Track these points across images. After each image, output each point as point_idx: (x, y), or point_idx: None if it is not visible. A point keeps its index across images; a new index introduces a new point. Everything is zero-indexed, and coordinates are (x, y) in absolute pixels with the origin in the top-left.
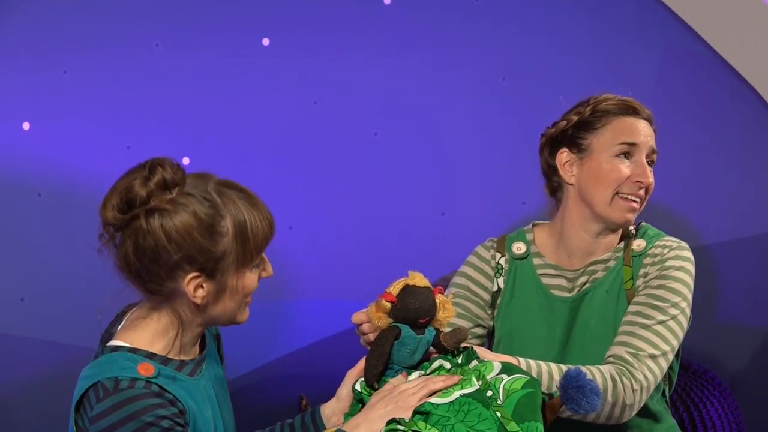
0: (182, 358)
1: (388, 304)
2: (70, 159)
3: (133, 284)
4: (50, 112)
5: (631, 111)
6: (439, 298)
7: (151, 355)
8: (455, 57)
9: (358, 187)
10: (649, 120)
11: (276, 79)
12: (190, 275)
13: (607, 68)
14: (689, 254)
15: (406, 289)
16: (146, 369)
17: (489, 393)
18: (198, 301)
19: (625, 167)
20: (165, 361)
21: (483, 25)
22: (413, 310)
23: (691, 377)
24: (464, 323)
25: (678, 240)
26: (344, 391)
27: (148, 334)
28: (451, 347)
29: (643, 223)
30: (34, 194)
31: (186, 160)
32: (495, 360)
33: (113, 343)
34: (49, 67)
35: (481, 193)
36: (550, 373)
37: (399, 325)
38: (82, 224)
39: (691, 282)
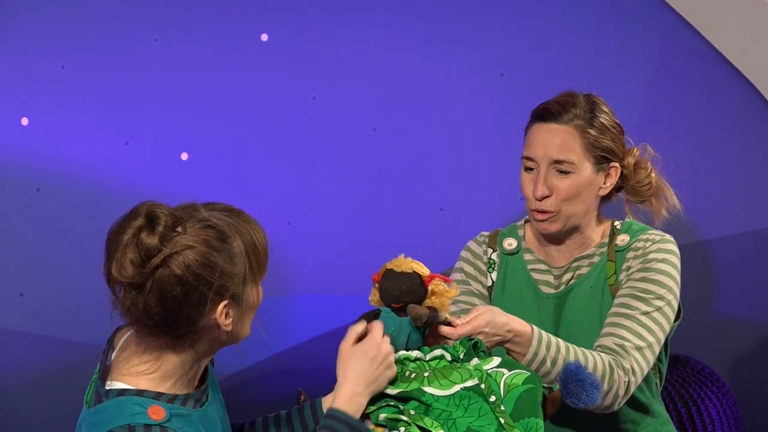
0: (186, 391)
1: (376, 284)
2: (69, 154)
3: (154, 334)
4: (49, 108)
5: (542, 116)
6: (434, 285)
7: (158, 395)
8: (453, 52)
9: (356, 183)
10: (571, 119)
11: (274, 75)
12: (222, 305)
13: (604, 64)
14: (674, 247)
15: (386, 273)
16: (157, 413)
17: (483, 386)
18: (228, 328)
19: (528, 182)
20: (172, 398)
21: (481, 20)
22: (386, 293)
23: (689, 373)
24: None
25: (662, 233)
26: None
27: (156, 376)
28: (416, 323)
29: (628, 218)
30: (32, 189)
31: (185, 156)
32: (513, 323)
33: (117, 386)
34: (48, 63)
35: (479, 189)
36: (558, 347)
37: (382, 308)
38: (80, 219)
39: (676, 274)
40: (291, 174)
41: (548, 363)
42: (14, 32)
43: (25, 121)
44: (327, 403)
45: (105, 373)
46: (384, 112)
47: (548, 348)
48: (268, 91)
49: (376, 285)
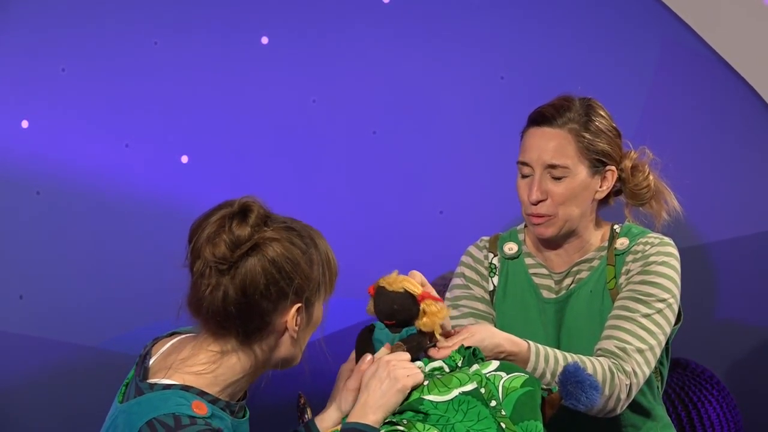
0: (230, 399)
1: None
2: (69, 157)
3: (224, 328)
4: (49, 110)
5: (536, 121)
6: (424, 305)
7: (202, 394)
8: (453, 55)
9: (356, 186)
10: (565, 123)
11: (274, 78)
12: (296, 306)
13: (604, 67)
14: (673, 249)
15: (378, 290)
16: (200, 408)
17: (483, 390)
18: (294, 334)
19: (523, 186)
20: (213, 400)
21: (481, 23)
22: (378, 311)
23: (689, 376)
24: (475, 321)
25: (661, 236)
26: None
27: (208, 378)
28: (410, 354)
29: (628, 222)
30: (32, 192)
31: (185, 158)
32: (507, 343)
33: (164, 381)
34: (48, 65)
35: (479, 192)
36: (557, 358)
37: (375, 323)
38: (80, 222)
39: (676, 277)
40: (291, 177)
41: (548, 375)
42: (14, 35)
43: (25, 124)
44: (321, 422)
45: (146, 373)
46: (384, 115)
47: (546, 361)
48: (268, 94)
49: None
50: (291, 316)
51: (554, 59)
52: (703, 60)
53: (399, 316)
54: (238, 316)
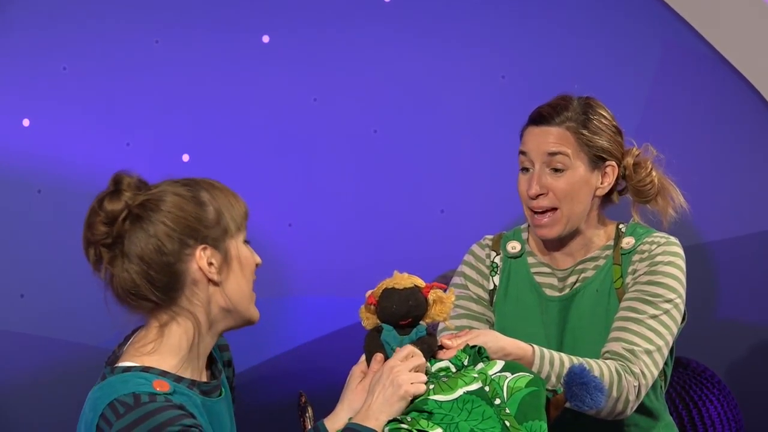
0: (193, 378)
1: (372, 306)
2: (70, 155)
3: (148, 298)
4: (50, 109)
5: (535, 120)
6: (433, 294)
7: (164, 373)
8: (454, 54)
9: (357, 184)
10: (563, 121)
11: (275, 77)
12: (198, 248)
13: (605, 66)
14: (679, 249)
15: (384, 293)
16: (161, 385)
17: (487, 388)
18: (214, 276)
19: (523, 181)
20: (177, 379)
21: (482, 22)
22: (390, 313)
23: (690, 375)
24: (470, 323)
25: (667, 236)
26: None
27: (158, 354)
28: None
29: (633, 221)
30: (33, 190)
31: (186, 157)
32: (510, 347)
33: (123, 364)
34: (49, 64)
35: (480, 191)
36: (562, 361)
37: (383, 325)
38: (81, 220)
39: (682, 277)
40: (292, 176)
41: (553, 378)
42: (15, 33)
43: (26, 122)
44: (333, 424)
45: (114, 360)
46: (385, 113)
47: (552, 364)
48: (269, 93)
49: (372, 308)
50: (198, 258)
51: (555, 58)
52: (704, 59)
53: (414, 312)
54: (149, 281)
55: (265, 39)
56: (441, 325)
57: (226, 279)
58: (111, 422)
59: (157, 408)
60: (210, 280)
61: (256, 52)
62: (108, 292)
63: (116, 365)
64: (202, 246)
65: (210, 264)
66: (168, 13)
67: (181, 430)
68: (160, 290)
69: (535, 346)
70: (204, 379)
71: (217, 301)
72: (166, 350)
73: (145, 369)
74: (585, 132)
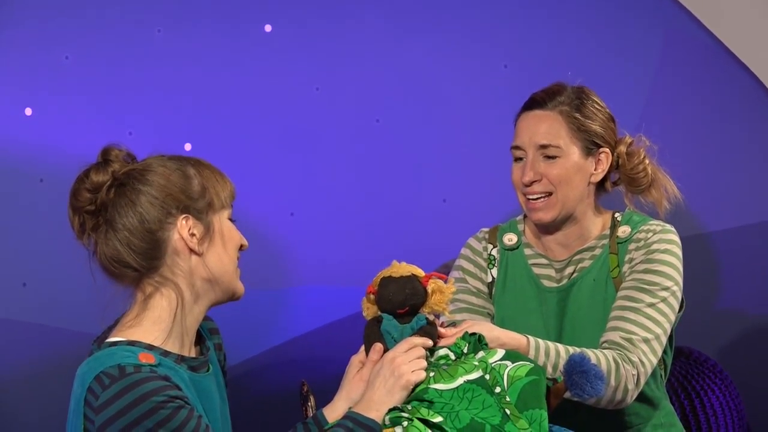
0: (180, 353)
1: (372, 296)
2: (72, 145)
3: (131, 265)
4: (52, 98)
5: (528, 106)
6: (432, 284)
7: (150, 347)
8: (457, 44)
9: (359, 174)
10: (556, 106)
11: (278, 66)
12: (180, 218)
13: (608, 56)
14: (675, 237)
15: (383, 281)
16: (147, 358)
17: (488, 377)
18: (195, 246)
19: (516, 170)
20: (164, 353)
21: (484, 11)
22: (389, 301)
23: (692, 365)
24: (471, 316)
25: (663, 223)
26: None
27: (143, 326)
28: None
29: (629, 210)
30: (35, 180)
31: (188, 146)
32: (505, 337)
33: (111, 339)
34: (51, 53)
35: (483, 180)
36: (558, 351)
37: (383, 314)
38: None
39: (678, 264)
40: (294, 165)
41: (549, 369)
42: (17, 23)
43: (28, 112)
44: (331, 413)
45: (102, 339)
46: (387, 103)
47: (547, 354)
48: (271, 82)
49: (372, 297)
50: (180, 227)
51: (557, 48)
52: (706, 50)
53: (411, 301)
54: (131, 248)
55: (268, 28)
56: (445, 321)
57: (208, 251)
58: (97, 394)
59: (143, 378)
60: (191, 251)
61: (258, 41)
62: (93, 262)
63: (105, 341)
64: (184, 216)
65: (192, 234)
66: (170, 3)
67: (166, 400)
68: (142, 257)
69: (529, 336)
70: (192, 354)
71: (199, 273)
72: (148, 322)
73: (131, 343)
74: (578, 116)
